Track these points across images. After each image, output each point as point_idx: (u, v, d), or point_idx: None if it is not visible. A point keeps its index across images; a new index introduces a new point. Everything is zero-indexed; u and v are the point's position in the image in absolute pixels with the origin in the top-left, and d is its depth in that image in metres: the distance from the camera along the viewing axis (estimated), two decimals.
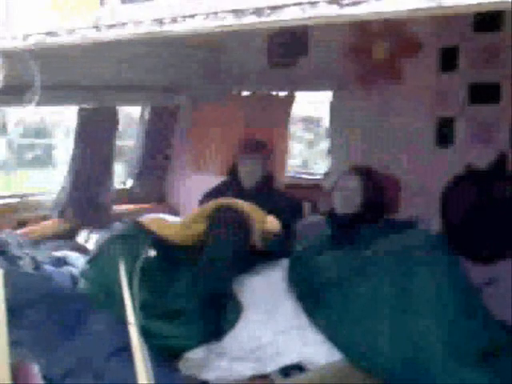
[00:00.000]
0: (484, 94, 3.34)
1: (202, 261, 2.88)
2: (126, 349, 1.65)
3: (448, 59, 3.44)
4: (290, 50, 3.94)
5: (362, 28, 3.64)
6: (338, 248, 2.91)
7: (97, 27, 1.58)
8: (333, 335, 2.53)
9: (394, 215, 3.33)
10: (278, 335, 2.55)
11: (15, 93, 2.67)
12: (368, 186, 3.11)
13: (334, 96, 3.95)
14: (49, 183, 4.25)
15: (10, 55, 1.96)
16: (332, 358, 2.47)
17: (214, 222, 3.00)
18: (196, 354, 2.52)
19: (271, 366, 2.47)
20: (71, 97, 3.79)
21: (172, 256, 2.96)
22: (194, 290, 2.74)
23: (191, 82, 4.40)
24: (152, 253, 2.90)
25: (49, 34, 1.70)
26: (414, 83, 3.56)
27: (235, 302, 2.72)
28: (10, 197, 4.03)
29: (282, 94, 4.23)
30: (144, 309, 2.52)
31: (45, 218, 3.96)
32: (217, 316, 2.65)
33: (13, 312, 1.60)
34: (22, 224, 3.81)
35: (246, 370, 2.46)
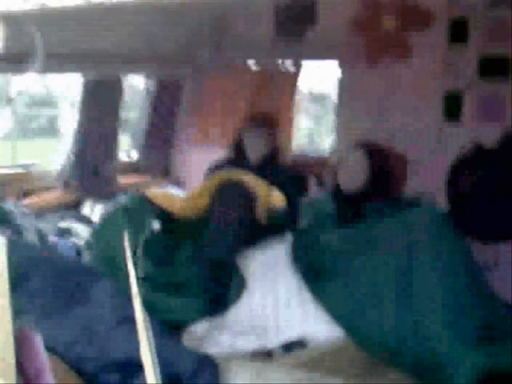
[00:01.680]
0: (494, 67, 3.30)
1: (205, 234, 2.87)
2: (130, 320, 1.65)
3: (458, 32, 3.38)
4: (297, 21, 3.89)
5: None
6: (343, 224, 2.90)
7: None
8: (335, 312, 2.53)
9: (400, 191, 3.32)
10: (280, 311, 2.56)
11: (18, 60, 2.64)
12: (374, 162, 3.09)
13: (342, 70, 3.91)
14: (54, 154, 4.24)
15: (12, 21, 1.92)
16: (333, 335, 2.48)
17: (218, 195, 2.99)
18: (199, 328, 2.53)
19: (273, 342, 2.47)
20: (75, 66, 3.76)
21: (176, 229, 2.96)
22: (197, 263, 2.74)
23: (197, 53, 4.35)
24: (156, 226, 2.90)
25: None
26: (423, 56, 3.52)
27: (238, 276, 2.71)
28: (14, 167, 4.02)
29: (289, 67, 4.18)
30: (148, 281, 2.53)
31: (49, 188, 3.96)
32: (220, 290, 2.65)
33: (17, 282, 1.60)
34: (26, 194, 3.81)
35: (248, 344, 2.46)
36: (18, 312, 1.57)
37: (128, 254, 1.63)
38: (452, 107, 3.47)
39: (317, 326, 2.51)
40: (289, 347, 2.43)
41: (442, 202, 3.32)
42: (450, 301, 2.35)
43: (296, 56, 4.05)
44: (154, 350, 1.45)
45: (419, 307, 2.36)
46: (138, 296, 1.50)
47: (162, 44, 4.09)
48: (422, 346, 2.31)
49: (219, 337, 2.49)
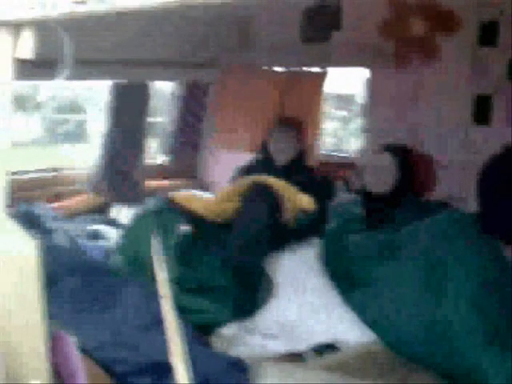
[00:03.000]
0: None
1: (233, 238, 2.88)
2: (160, 322, 1.67)
3: (487, 34, 3.33)
4: (323, 25, 3.87)
5: (399, 2, 3.55)
6: (372, 228, 2.88)
7: None
8: (366, 315, 2.51)
9: (428, 194, 3.28)
10: (309, 314, 2.55)
11: (47, 66, 2.67)
12: (402, 165, 3.07)
13: (370, 73, 3.88)
14: (83, 158, 4.29)
15: (42, 27, 1.95)
16: (363, 339, 2.46)
17: (246, 199, 2.99)
18: (228, 330, 2.53)
19: (303, 345, 2.46)
20: (104, 72, 3.79)
21: (204, 232, 2.97)
22: (225, 265, 2.74)
23: (223, 57, 4.36)
24: (184, 229, 2.92)
25: (78, 2, 1.68)
26: (451, 59, 3.47)
27: (267, 279, 2.71)
28: (44, 171, 4.07)
29: (315, 70, 4.17)
30: (176, 284, 2.54)
31: (79, 192, 4.00)
32: (249, 292, 2.65)
33: (48, 285, 1.62)
34: (56, 198, 3.86)
35: (279, 347, 2.45)
36: (51, 314, 1.59)
37: (156, 256, 1.64)
38: (481, 110, 3.42)
39: (346, 329, 2.49)
40: (319, 350, 2.42)
41: (471, 205, 3.28)
42: (482, 305, 2.31)
43: (322, 61, 4.03)
44: (185, 353, 1.46)
45: (451, 311, 2.32)
46: (169, 298, 1.51)
47: (189, 49, 4.11)
48: (454, 351, 2.28)
49: (249, 339, 2.48)
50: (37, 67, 2.72)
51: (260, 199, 2.94)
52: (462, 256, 2.42)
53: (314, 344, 2.44)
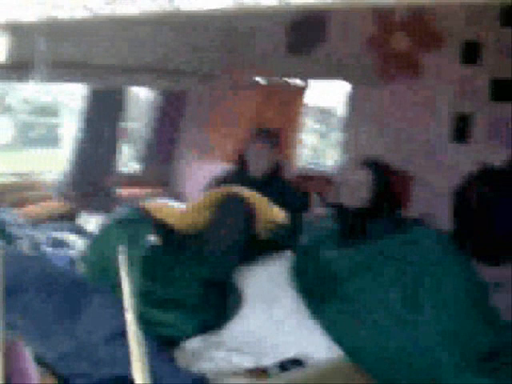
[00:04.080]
0: (507, 90, 3.25)
1: (204, 249, 2.82)
2: (123, 335, 1.60)
3: (471, 53, 3.34)
4: (307, 38, 3.86)
5: (384, 18, 3.55)
6: (346, 243, 2.85)
7: (108, 3, 1.53)
8: (335, 331, 2.47)
9: (404, 211, 3.26)
10: (277, 329, 2.50)
11: (21, 68, 2.61)
12: (378, 180, 3.05)
13: (352, 87, 3.86)
14: (53, 163, 4.20)
15: (16, 30, 1.90)
16: (331, 355, 2.41)
17: (218, 210, 2.94)
18: (193, 344, 2.46)
19: (269, 360, 2.40)
20: (79, 76, 3.72)
21: (174, 243, 2.90)
22: (194, 278, 2.68)
23: (204, 66, 4.32)
24: (154, 239, 2.85)
25: (58, 8, 1.65)
26: (434, 77, 3.47)
27: (236, 292, 2.66)
28: (11, 175, 3.97)
29: (296, 82, 4.15)
30: (143, 295, 2.46)
31: (46, 198, 3.91)
32: (216, 306, 2.59)
33: (7, 294, 1.54)
34: (22, 203, 3.76)
35: (244, 362, 2.39)
36: (8, 324, 1.51)
37: (123, 267, 1.57)
38: (462, 128, 3.42)
39: (314, 345, 2.44)
40: (285, 366, 2.37)
41: (447, 222, 3.27)
42: (454, 325, 2.30)
43: (305, 73, 4.01)
44: (146, 367, 1.40)
45: (422, 331, 2.30)
46: (132, 311, 1.44)
47: (168, 56, 4.06)
48: (423, 371, 2.25)
49: (214, 353, 2.42)
50: (10, 69, 2.65)
51: (233, 211, 2.89)
52: (436, 274, 2.41)
53: (280, 359, 2.38)
